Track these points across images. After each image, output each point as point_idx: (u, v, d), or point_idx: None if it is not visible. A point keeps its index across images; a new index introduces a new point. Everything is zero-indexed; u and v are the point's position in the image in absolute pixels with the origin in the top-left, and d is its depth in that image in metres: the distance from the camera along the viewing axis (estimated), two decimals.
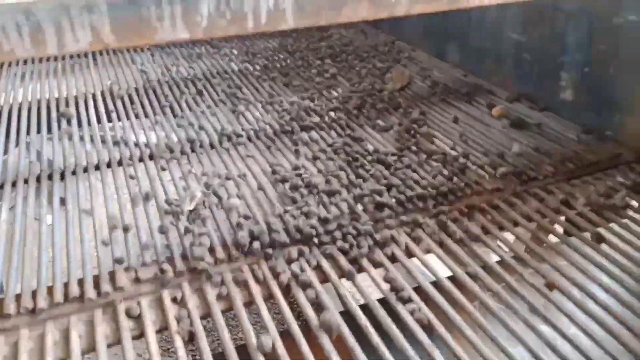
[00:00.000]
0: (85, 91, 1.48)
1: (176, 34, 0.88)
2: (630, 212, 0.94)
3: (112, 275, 0.78)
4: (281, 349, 0.66)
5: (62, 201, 0.99)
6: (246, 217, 0.91)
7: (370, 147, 1.16)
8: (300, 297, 0.75)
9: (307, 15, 0.97)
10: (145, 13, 0.79)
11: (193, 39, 0.98)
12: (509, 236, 0.91)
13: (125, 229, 0.89)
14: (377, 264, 0.82)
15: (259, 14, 0.84)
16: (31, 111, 1.36)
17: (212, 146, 1.19)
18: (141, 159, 1.13)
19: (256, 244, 0.84)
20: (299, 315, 0.76)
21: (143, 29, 0.86)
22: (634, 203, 0.97)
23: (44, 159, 1.12)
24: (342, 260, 0.82)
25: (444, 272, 0.81)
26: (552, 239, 0.90)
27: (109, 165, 1.12)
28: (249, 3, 0.84)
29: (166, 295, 0.75)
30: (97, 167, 1.11)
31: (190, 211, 0.93)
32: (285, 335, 0.69)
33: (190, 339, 0.68)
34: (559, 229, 0.93)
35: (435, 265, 0.82)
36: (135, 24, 0.86)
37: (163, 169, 1.09)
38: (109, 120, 1.34)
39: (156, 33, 0.87)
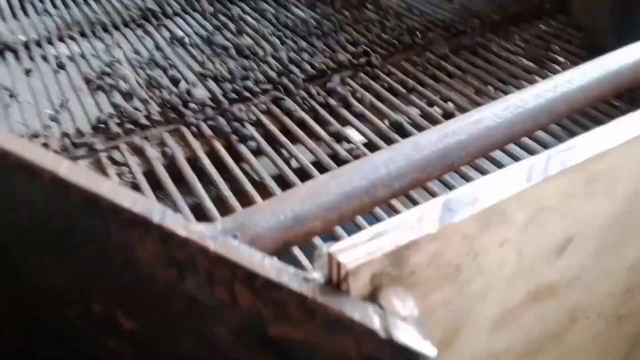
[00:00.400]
0: None
1: None
2: (555, 56, 0.99)
3: (45, 144, 0.76)
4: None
5: None
6: (177, 81, 0.90)
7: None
8: (242, 148, 0.77)
9: None
10: None
11: None
12: (443, 88, 0.93)
13: (55, 105, 0.86)
14: (320, 121, 0.84)
15: None
16: None
17: (136, 23, 1.13)
18: (71, 37, 1.07)
19: (193, 105, 0.84)
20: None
21: None
22: (556, 48, 1.01)
23: None
24: (278, 113, 0.84)
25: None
26: (488, 89, 0.94)
27: (26, 45, 1.05)
28: None
29: (104, 157, 0.74)
30: (13, 50, 1.04)
31: (124, 90, 0.90)
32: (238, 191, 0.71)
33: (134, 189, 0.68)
34: (489, 77, 0.96)
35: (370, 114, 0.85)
36: None
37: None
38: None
39: None
